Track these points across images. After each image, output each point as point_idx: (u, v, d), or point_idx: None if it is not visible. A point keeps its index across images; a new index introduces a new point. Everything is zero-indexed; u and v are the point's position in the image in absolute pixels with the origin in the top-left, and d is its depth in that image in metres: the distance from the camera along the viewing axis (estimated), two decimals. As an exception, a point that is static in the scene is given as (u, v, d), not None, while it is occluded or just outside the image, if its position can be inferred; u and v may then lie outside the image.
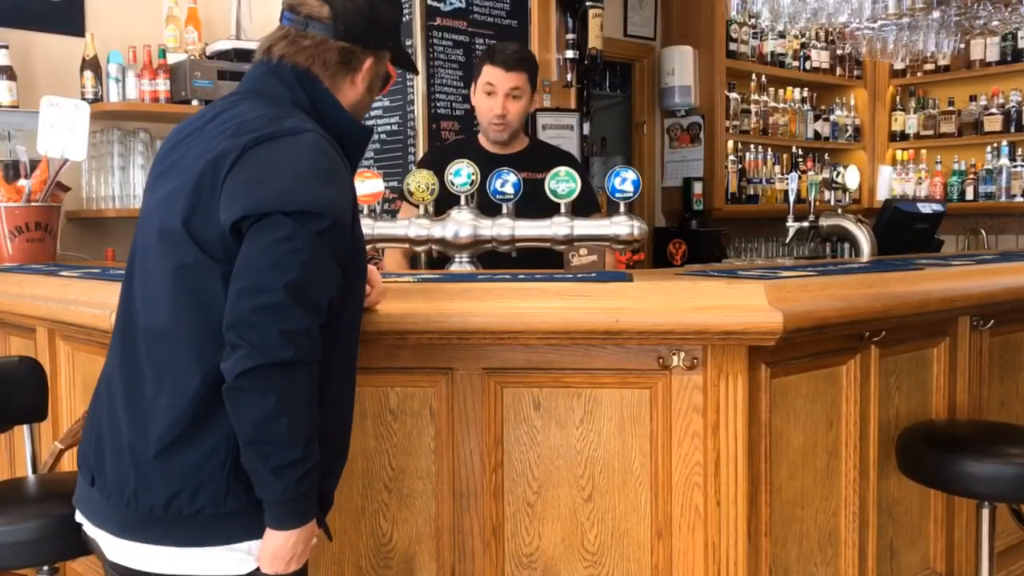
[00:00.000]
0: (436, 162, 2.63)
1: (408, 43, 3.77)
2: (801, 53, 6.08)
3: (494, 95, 2.78)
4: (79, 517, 1.57)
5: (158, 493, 1.41)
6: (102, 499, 1.48)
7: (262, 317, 1.33)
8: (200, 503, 1.41)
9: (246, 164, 1.40)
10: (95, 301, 2.12)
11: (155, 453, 1.41)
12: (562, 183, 2.35)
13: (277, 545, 1.42)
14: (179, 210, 1.43)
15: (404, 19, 3.79)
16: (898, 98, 6.43)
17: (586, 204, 2.63)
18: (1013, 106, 5.83)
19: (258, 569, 1.44)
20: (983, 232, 5.83)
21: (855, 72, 6.40)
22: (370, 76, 1.63)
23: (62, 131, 2.96)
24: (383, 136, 3.94)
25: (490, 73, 2.78)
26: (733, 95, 5.65)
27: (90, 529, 1.53)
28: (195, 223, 1.42)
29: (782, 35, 5.86)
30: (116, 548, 1.47)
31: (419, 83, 3.74)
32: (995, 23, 4.19)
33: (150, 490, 1.42)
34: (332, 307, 1.42)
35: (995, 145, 5.92)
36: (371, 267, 1.83)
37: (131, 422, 1.45)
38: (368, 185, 2.46)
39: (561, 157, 2.84)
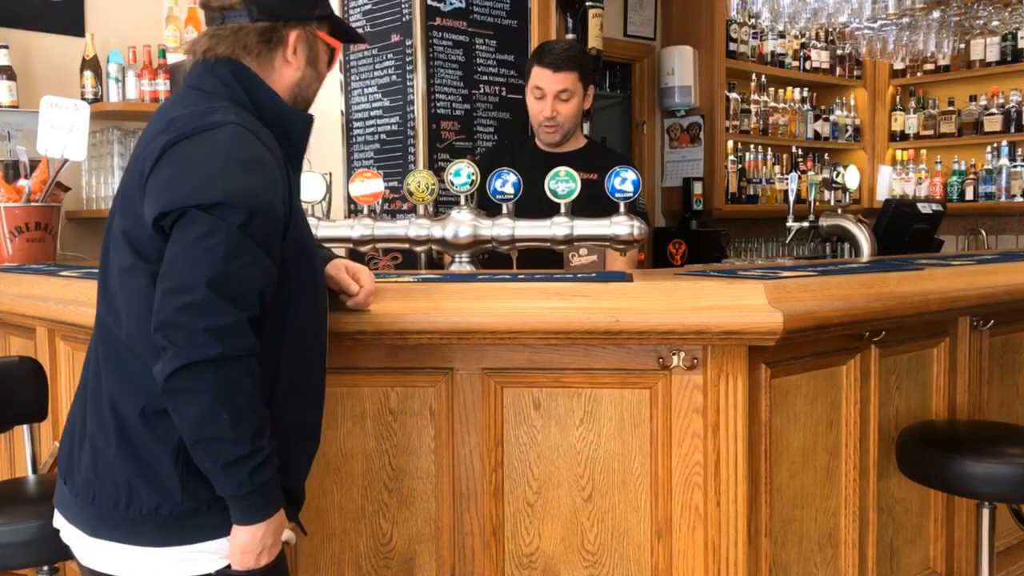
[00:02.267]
0: (489, 163, 2.57)
1: (408, 43, 3.77)
2: (801, 53, 6.07)
3: (543, 98, 2.74)
4: (57, 522, 1.56)
5: (116, 491, 1.42)
6: (72, 496, 1.50)
7: (186, 316, 1.32)
8: (156, 501, 1.41)
9: (166, 162, 1.40)
10: (95, 301, 2.11)
11: (115, 452, 1.43)
12: (562, 183, 2.34)
13: (244, 540, 1.41)
14: (117, 213, 1.46)
15: (404, 19, 3.78)
16: (898, 98, 6.42)
17: (631, 211, 2.41)
18: (1013, 106, 5.82)
19: (229, 566, 1.44)
20: (983, 232, 5.83)
21: (855, 72, 6.39)
22: (304, 50, 1.58)
23: (62, 131, 2.96)
24: (383, 136, 3.93)
25: (538, 75, 2.73)
26: (733, 95, 5.65)
27: (65, 531, 1.53)
28: (128, 225, 1.43)
29: (782, 35, 5.85)
30: (87, 551, 1.48)
31: (419, 83, 3.73)
32: (995, 23, 4.18)
33: (108, 488, 1.43)
34: (269, 296, 1.40)
35: (995, 145, 5.91)
36: (362, 267, 1.81)
37: (93, 420, 1.48)
38: (368, 185, 2.46)
39: (618, 159, 2.71)
